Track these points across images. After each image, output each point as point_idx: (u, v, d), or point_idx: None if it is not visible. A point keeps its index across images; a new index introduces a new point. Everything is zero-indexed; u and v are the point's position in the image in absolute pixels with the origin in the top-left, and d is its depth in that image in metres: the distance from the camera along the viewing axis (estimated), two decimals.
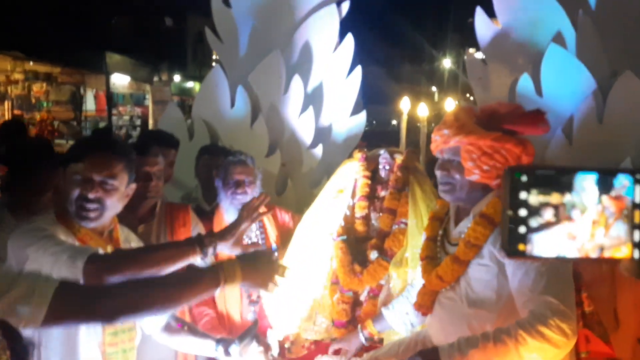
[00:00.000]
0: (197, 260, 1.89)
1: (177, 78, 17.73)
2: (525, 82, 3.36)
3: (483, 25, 3.67)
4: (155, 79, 14.22)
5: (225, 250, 2.09)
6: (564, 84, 3.24)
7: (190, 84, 18.83)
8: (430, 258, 2.02)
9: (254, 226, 2.96)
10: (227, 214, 2.90)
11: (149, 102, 15.30)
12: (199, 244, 1.89)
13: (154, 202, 2.58)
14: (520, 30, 3.56)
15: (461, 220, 1.99)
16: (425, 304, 1.98)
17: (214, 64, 22.70)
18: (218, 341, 2.10)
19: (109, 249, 1.88)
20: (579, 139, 3.19)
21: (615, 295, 2.41)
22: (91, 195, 1.81)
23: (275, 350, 2.78)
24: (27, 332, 1.49)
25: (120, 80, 15.07)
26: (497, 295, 1.80)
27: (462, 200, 1.97)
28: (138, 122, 15.79)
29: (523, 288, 1.71)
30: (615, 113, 3.08)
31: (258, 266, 1.65)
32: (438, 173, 1.99)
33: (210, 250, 1.92)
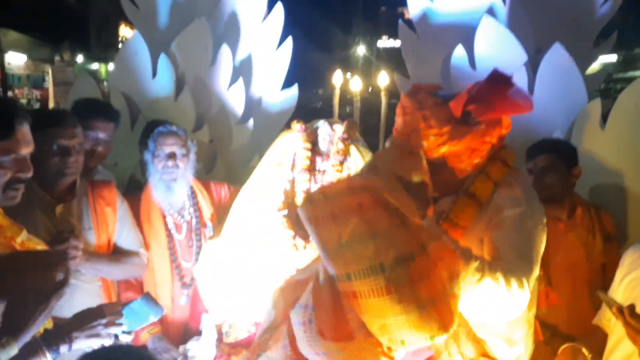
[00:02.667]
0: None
1: (80, 59, 16.52)
2: (459, 54, 3.36)
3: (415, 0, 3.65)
4: (57, 58, 13.12)
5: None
6: (496, 56, 3.26)
7: (95, 66, 17.66)
8: None
9: (187, 203, 2.74)
10: (156, 189, 2.66)
11: (48, 84, 14.13)
12: (45, 346, 1.50)
13: (72, 179, 2.29)
14: (452, 4, 3.56)
15: (437, 198, 1.85)
16: None
17: (120, 45, 21.51)
18: None
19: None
20: None
21: (547, 261, 2.47)
22: (27, 175, 1.55)
23: (212, 336, 2.59)
24: None
25: (16, 60, 13.80)
26: None
27: (450, 190, 1.83)
28: (37, 105, 14.54)
29: (492, 257, 1.65)
30: (545, 85, 3.15)
31: None
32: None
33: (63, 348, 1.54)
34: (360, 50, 23.80)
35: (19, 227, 1.62)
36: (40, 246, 1.69)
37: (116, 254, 2.42)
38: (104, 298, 2.36)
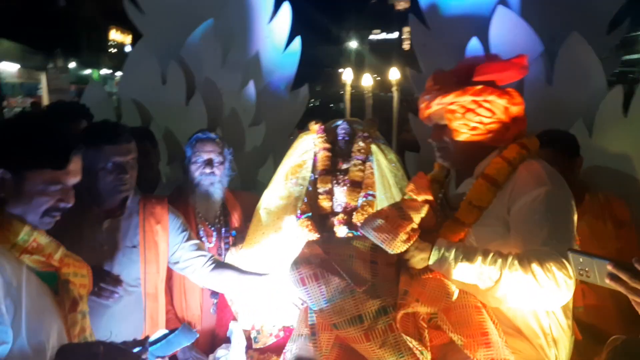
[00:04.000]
0: None
1: (72, 65, 16.39)
2: (474, 46, 3.32)
3: None
4: (51, 65, 13.02)
5: None
6: (512, 46, 3.21)
7: (87, 71, 17.53)
8: None
9: (218, 211, 2.70)
10: (194, 196, 2.63)
11: (42, 91, 14.02)
12: None
13: (127, 195, 2.21)
14: None
15: (462, 182, 1.89)
16: None
17: (111, 49, 21.35)
18: None
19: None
20: (530, 102, 3.17)
21: None
22: (67, 205, 1.56)
23: (241, 342, 2.55)
24: None
25: (8, 69, 13.66)
26: None
27: (460, 163, 1.88)
28: None
29: (525, 240, 1.65)
30: (564, 74, 3.11)
31: None
32: (431, 140, 1.91)
33: None
34: (353, 44, 23.71)
35: (57, 244, 1.59)
36: (78, 263, 1.65)
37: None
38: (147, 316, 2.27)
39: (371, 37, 26.45)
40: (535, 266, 1.53)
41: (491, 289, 1.58)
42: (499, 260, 1.57)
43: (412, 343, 1.52)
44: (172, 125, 3.43)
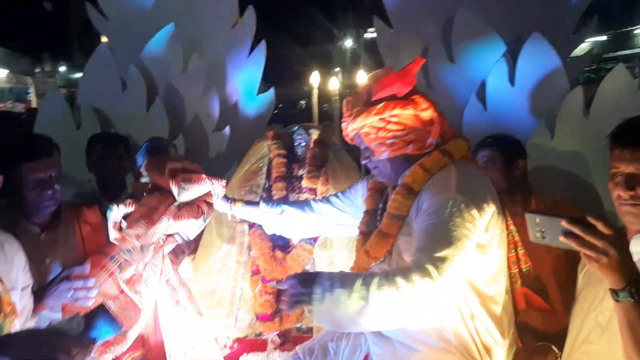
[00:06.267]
0: None
1: (62, 69, 16.32)
2: (437, 51, 3.28)
3: None
4: (38, 70, 12.94)
5: None
6: (475, 48, 3.18)
7: (78, 75, 17.43)
8: (366, 233, 1.86)
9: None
10: None
11: (32, 96, 13.96)
12: None
13: (53, 209, 2.16)
14: None
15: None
16: None
17: None
18: None
19: None
20: (493, 103, 3.15)
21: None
22: None
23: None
24: None
25: None
26: None
27: (394, 178, 1.83)
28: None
29: (416, 245, 1.58)
30: (526, 75, 3.06)
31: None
32: (363, 162, 1.90)
33: None
34: (348, 43, 23.61)
35: None
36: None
37: None
38: None
39: (366, 35, 26.32)
40: (399, 279, 1.46)
41: (364, 310, 1.48)
42: (365, 281, 1.50)
43: None
44: (133, 132, 3.36)
